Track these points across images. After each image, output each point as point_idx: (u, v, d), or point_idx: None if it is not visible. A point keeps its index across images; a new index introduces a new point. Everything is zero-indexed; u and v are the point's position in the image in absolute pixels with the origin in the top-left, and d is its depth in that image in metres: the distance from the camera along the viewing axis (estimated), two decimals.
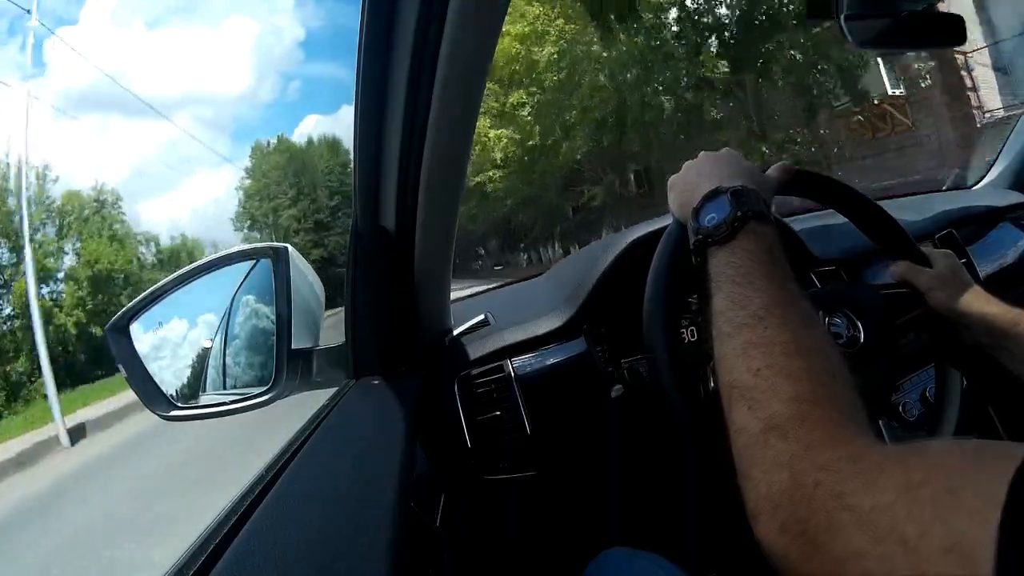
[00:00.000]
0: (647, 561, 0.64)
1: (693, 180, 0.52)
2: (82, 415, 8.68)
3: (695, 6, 9.18)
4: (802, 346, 0.35)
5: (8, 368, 12.46)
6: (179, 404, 0.70)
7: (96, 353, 13.90)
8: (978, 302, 0.59)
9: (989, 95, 7.77)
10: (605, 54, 9.62)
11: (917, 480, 0.25)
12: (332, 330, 0.79)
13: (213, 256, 0.75)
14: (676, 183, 0.54)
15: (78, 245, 16.40)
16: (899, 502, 0.24)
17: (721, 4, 9.11)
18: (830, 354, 0.36)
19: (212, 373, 0.80)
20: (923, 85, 8.31)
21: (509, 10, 0.48)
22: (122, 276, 16.15)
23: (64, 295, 15.31)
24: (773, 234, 0.44)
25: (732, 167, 0.51)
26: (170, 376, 0.72)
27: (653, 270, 0.56)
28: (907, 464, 0.26)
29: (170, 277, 0.72)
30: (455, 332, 0.90)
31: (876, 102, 8.95)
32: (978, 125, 7.68)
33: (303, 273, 0.75)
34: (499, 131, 11.45)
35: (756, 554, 0.31)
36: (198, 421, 0.71)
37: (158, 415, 0.68)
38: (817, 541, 0.27)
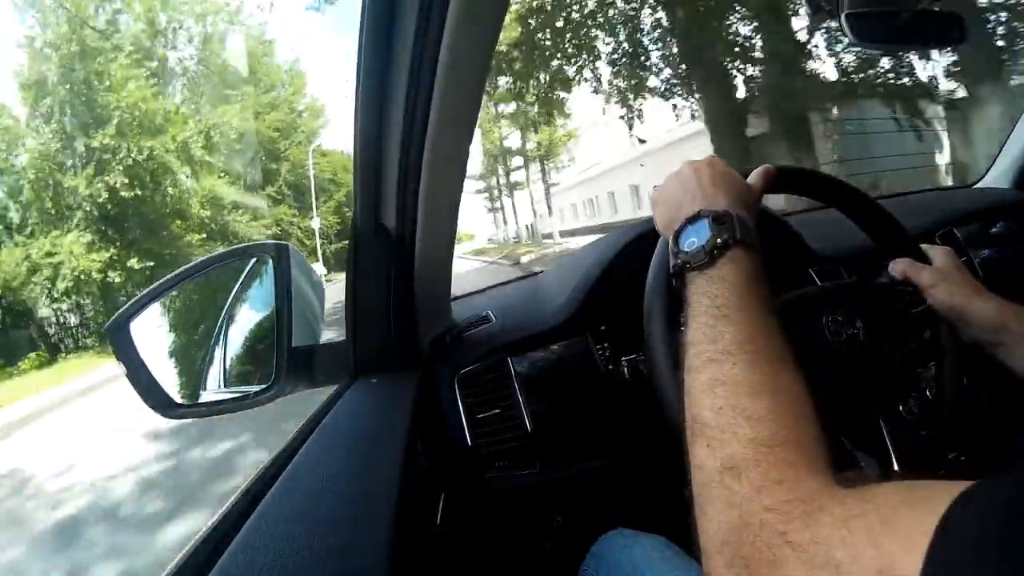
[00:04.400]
0: (650, 541, 0.65)
1: (676, 198, 0.51)
2: None
3: None
4: (767, 386, 0.35)
5: None
6: (179, 402, 0.70)
7: None
8: (978, 299, 0.59)
9: None
10: None
11: (854, 513, 0.27)
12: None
13: (213, 254, 0.75)
14: (659, 199, 0.53)
15: None
16: (835, 533, 0.26)
17: None
18: (796, 394, 0.36)
19: (212, 371, 0.80)
20: None
21: None
22: None
23: None
24: (754, 261, 0.43)
25: (715, 183, 0.50)
26: (170, 374, 0.72)
27: (653, 267, 0.56)
28: (847, 502, 0.28)
29: (170, 275, 0.72)
30: (456, 330, 0.90)
31: None
32: None
33: (303, 271, 0.75)
34: None
35: None
36: (199, 419, 0.71)
37: (158, 413, 0.68)
38: (760, 574, 0.29)
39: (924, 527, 0.24)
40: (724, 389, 0.36)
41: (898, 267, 0.63)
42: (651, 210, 0.55)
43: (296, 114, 24.65)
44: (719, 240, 0.43)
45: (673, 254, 0.46)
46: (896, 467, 0.60)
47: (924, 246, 0.66)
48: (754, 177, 0.55)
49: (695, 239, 0.44)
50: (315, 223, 22.24)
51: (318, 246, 21.89)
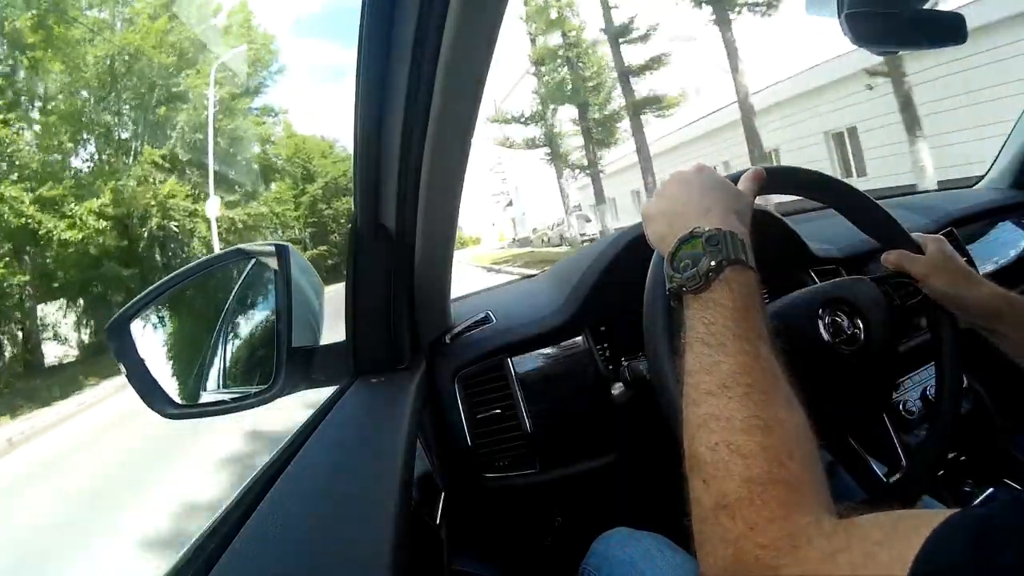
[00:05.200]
0: (650, 539, 0.66)
1: (667, 212, 0.50)
2: None
3: None
4: (761, 421, 0.35)
5: None
6: (179, 402, 0.70)
7: None
8: (972, 285, 0.60)
9: None
10: None
11: (839, 548, 0.28)
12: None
13: (214, 254, 0.75)
14: (652, 215, 0.52)
15: None
16: (821, 567, 0.28)
17: None
18: (790, 429, 0.36)
19: (212, 371, 0.80)
20: None
21: None
22: None
23: None
24: (750, 279, 0.43)
25: (705, 194, 0.49)
26: (170, 374, 0.72)
27: (652, 267, 0.56)
28: (834, 537, 0.29)
29: (171, 275, 0.73)
30: (456, 330, 0.90)
31: None
32: None
33: (303, 271, 0.75)
34: None
35: None
36: (199, 419, 0.71)
37: (158, 413, 0.68)
38: None
39: (905, 556, 0.25)
40: (719, 424, 0.36)
41: (891, 257, 0.64)
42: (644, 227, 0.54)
43: (213, 30, 15.89)
44: (713, 263, 0.42)
45: (668, 277, 0.45)
46: (904, 464, 0.60)
47: (916, 235, 0.66)
48: (744, 182, 0.54)
49: (689, 262, 0.44)
50: (212, 208, 13.35)
51: (214, 237, 13.41)
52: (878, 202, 0.66)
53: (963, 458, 0.94)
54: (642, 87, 13.17)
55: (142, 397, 0.67)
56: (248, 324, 0.82)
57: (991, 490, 0.84)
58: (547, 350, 0.86)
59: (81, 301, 12.51)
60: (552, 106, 14.84)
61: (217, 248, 12.39)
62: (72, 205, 11.33)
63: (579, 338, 0.86)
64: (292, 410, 0.82)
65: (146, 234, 13.16)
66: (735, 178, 0.55)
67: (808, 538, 0.30)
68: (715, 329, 0.40)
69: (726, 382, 0.37)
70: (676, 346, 0.55)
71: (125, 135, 13.96)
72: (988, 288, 0.59)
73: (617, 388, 0.82)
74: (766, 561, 0.30)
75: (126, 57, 13.08)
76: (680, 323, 0.44)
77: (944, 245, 0.64)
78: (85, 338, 12.57)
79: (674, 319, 0.53)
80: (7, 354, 10.84)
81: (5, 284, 9.99)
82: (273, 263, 0.72)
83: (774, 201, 1.99)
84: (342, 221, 25.75)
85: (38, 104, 12.37)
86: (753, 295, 0.42)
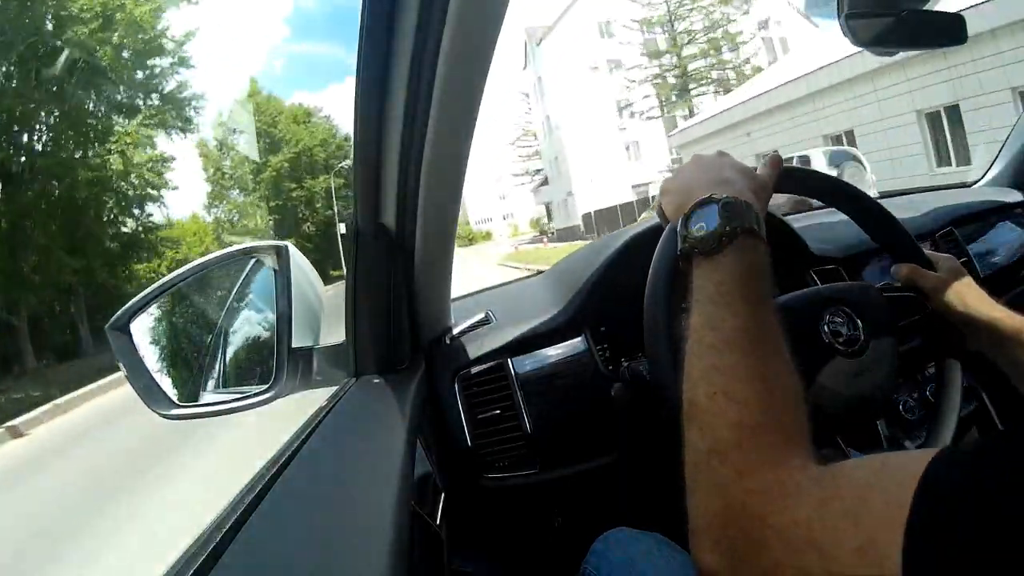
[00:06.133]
0: (651, 539, 0.66)
1: (687, 184, 0.51)
2: None
3: None
4: (759, 373, 0.36)
5: None
6: (179, 403, 0.70)
7: None
8: (984, 307, 0.59)
9: None
10: None
11: (830, 495, 0.28)
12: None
13: (214, 254, 0.75)
14: (670, 187, 0.54)
15: None
16: (813, 515, 0.28)
17: None
18: (785, 381, 0.37)
19: (212, 372, 0.80)
20: None
21: None
22: None
23: None
24: (760, 250, 0.44)
25: (727, 171, 0.51)
26: (171, 374, 0.72)
27: (655, 261, 0.56)
28: (823, 483, 0.29)
29: (171, 275, 0.73)
30: (455, 330, 0.90)
31: None
32: None
33: (303, 271, 0.75)
34: None
35: None
36: (198, 420, 0.71)
37: (158, 414, 0.68)
38: (743, 556, 0.30)
39: (900, 500, 0.24)
40: (719, 376, 0.37)
41: (903, 272, 0.63)
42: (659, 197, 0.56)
43: None
44: (727, 228, 0.43)
45: (681, 237, 0.46)
46: None
47: (928, 252, 0.65)
48: (763, 168, 0.55)
49: (703, 224, 0.44)
50: None
51: None
52: (880, 202, 0.66)
53: None
54: None
55: (141, 397, 0.67)
56: (248, 324, 0.82)
57: None
58: (547, 350, 0.86)
59: None
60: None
61: None
62: None
63: (579, 338, 0.86)
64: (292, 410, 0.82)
65: None
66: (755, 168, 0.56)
67: (797, 484, 0.30)
68: (724, 290, 0.41)
69: (729, 338, 0.38)
70: (676, 331, 0.55)
71: None
72: (999, 311, 0.58)
73: (616, 388, 0.82)
74: (754, 508, 0.30)
75: None
76: (683, 294, 0.45)
77: (956, 264, 0.63)
78: None
79: (676, 292, 0.54)
80: None
81: None
82: (273, 263, 0.72)
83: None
84: (317, 206, 21.18)
85: None
86: (762, 264, 0.43)
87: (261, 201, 19.43)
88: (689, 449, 0.36)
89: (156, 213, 15.16)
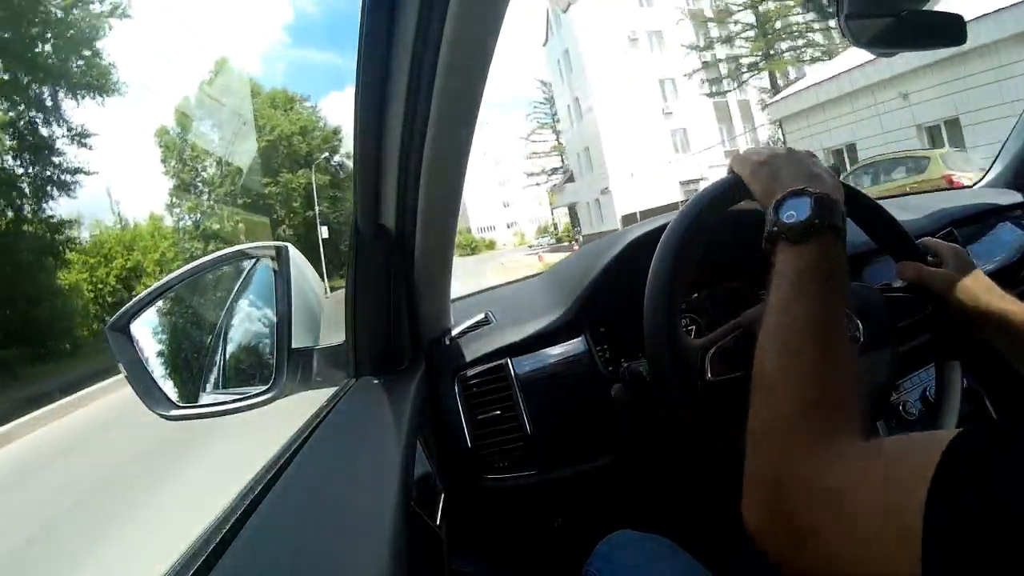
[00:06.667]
0: (654, 541, 0.66)
1: (779, 169, 0.53)
2: None
3: None
4: (825, 356, 0.39)
5: None
6: (179, 403, 0.70)
7: None
8: (994, 298, 0.58)
9: None
10: None
11: (868, 465, 0.31)
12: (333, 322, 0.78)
13: (214, 255, 0.75)
14: (765, 165, 0.55)
15: None
16: (853, 480, 0.31)
17: None
18: (847, 367, 0.40)
19: (212, 372, 0.80)
20: None
21: None
22: None
23: None
24: (839, 248, 0.46)
25: (817, 168, 0.53)
26: (170, 375, 0.72)
27: (656, 261, 0.56)
28: (866, 455, 0.33)
29: (171, 276, 0.73)
30: (455, 331, 0.90)
31: None
32: None
33: (303, 272, 0.75)
34: None
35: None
36: (198, 421, 0.71)
37: (158, 414, 0.68)
38: (788, 517, 0.33)
39: (923, 472, 0.27)
40: (792, 353, 0.40)
41: (908, 271, 0.62)
42: (736, 168, 0.58)
43: None
44: (816, 221, 0.45)
45: (770, 221, 0.48)
46: None
47: (932, 240, 0.65)
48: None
49: (794, 213, 0.47)
50: None
51: None
52: (880, 203, 0.66)
53: None
54: None
55: (141, 398, 0.67)
56: (248, 325, 0.82)
57: None
58: (547, 351, 0.86)
59: None
60: None
61: None
62: None
63: (579, 339, 0.86)
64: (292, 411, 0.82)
65: None
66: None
67: (842, 454, 0.33)
68: (804, 277, 0.44)
69: (802, 324, 0.41)
70: (676, 333, 0.55)
71: None
72: (1011, 303, 0.57)
73: (616, 389, 0.82)
74: (806, 473, 0.33)
75: None
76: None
77: (963, 256, 0.62)
78: None
79: (676, 301, 0.54)
80: None
81: None
82: (273, 263, 0.72)
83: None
84: (295, 205, 18.96)
85: None
86: (841, 261, 0.46)
87: (228, 198, 16.81)
88: (753, 415, 0.39)
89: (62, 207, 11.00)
